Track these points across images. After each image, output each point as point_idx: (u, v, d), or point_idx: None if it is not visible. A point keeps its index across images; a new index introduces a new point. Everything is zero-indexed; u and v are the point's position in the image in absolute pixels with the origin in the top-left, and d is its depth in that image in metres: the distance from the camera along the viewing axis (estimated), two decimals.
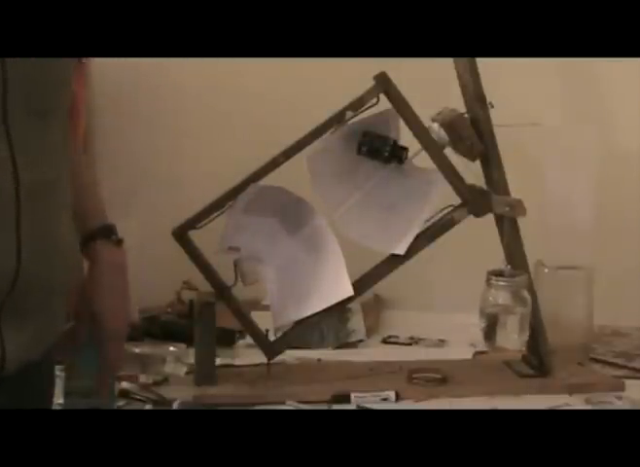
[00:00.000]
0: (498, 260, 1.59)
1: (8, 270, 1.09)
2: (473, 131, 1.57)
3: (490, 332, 1.57)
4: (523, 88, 1.99)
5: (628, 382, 1.62)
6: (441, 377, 1.61)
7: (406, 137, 1.58)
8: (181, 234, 1.58)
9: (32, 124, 1.08)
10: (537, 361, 1.64)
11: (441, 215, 1.60)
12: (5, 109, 1.06)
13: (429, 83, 1.85)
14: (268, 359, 1.62)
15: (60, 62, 1.18)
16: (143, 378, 1.58)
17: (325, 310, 1.58)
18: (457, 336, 1.87)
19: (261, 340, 1.62)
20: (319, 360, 1.77)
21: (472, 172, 1.59)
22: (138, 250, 1.85)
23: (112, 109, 2.21)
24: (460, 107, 1.59)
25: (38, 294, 1.14)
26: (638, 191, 2.04)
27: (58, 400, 1.43)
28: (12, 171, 1.08)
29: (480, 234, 1.67)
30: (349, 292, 1.57)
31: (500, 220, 1.61)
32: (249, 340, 1.68)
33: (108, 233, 1.34)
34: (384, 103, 1.55)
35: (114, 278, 1.36)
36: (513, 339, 1.57)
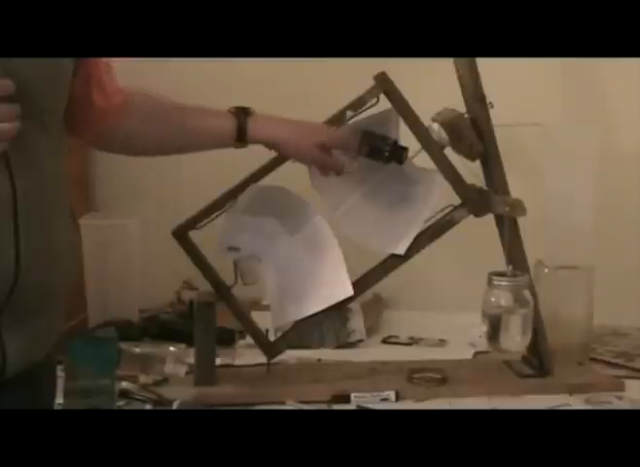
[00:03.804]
0: (498, 260, 1.59)
1: (7, 274, 1.09)
2: (473, 131, 1.57)
3: (494, 334, 1.56)
4: (523, 88, 1.99)
5: (628, 382, 1.62)
6: (441, 377, 1.61)
7: (406, 137, 1.58)
8: (181, 234, 1.58)
9: (27, 126, 1.08)
10: (537, 361, 1.64)
11: (441, 215, 1.60)
12: None
13: (429, 83, 1.85)
14: (268, 359, 1.62)
15: (56, 63, 1.17)
16: (143, 378, 1.58)
17: (325, 310, 1.58)
18: (457, 336, 1.87)
19: (261, 340, 1.62)
20: (319, 360, 1.77)
21: (472, 172, 1.59)
22: (138, 250, 1.86)
23: None
24: (460, 107, 1.59)
25: (37, 296, 1.14)
26: (638, 191, 2.04)
27: (58, 400, 1.44)
28: (8, 176, 1.09)
29: (480, 234, 1.67)
30: (349, 292, 1.57)
31: (500, 220, 1.61)
32: (249, 340, 1.68)
33: (245, 111, 1.49)
34: (384, 103, 1.55)
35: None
36: (516, 340, 1.57)
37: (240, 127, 1.47)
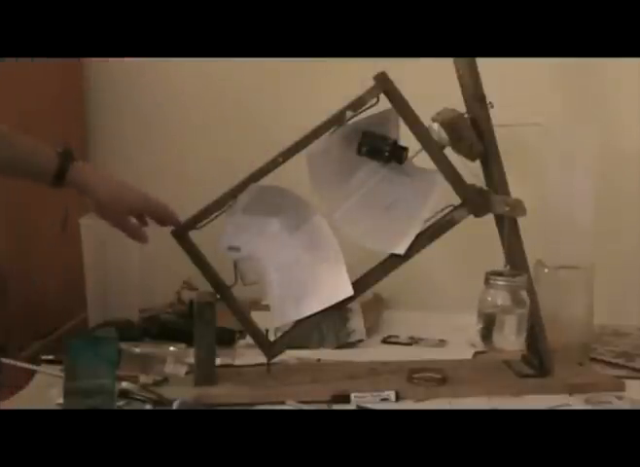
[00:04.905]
0: (498, 260, 1.59)
1: None
2: (473, 131, 1.57)
3: (487, 332, 1.57)
4: (523, 88, 1.99)
5: (628, 382, 1.62)
6: (441, 377, 1.61)
7: (406, 137, 1.58)
8: (181, 234, 1.58)
9: None
10: (537, 361, 1.64)
11: (441, 215, 1.60)
12: None
13: (429, 83, 1.85)
14: (268, 359, 1.62)
15: None
16: (143, 378, 1.59)
17: (325, 310, 1.58)
18: (457, 336, 1.87)
19: (261, 340, 1.62)
20: (319, 360, 1.77)
21: (472, 172, 1.59)
22: (138, 250, 1.86)
23: (112, 109, 2.21)
24: (460, 107, 1.59)
25: None
26: (638, 191, 2.04)
27: (58, 400, 1.44)
28: None
29: (480, 234, 1.67)
30: (349, 292, 1.57)
31: (500, 220, 1.61)
32: (249, 340, 1.68)
33: (69, 156, 1.49)
34: (384, 103, 1.55)
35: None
36: (510, 339, 1.57)
37: (61, 169, 1.48)
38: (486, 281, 1.57)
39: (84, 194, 1.52)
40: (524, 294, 1.57)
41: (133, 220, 1.57)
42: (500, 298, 1.56)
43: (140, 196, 1.57)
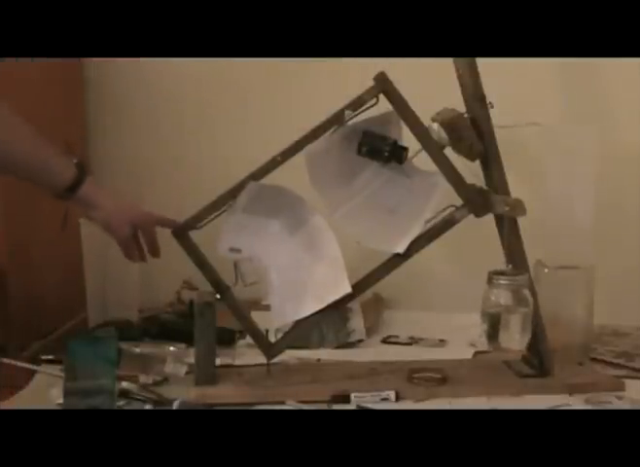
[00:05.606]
0: (498, 260, 1.59)
1: None
2: (473, 131, 1.57)
3: (493, 332, 1.56)
4: (523, 88, 1.99)
5: (628, 382, 1.62)
6: (441, 376, 1.61)
7: (405, 137, 1.58)
8: (181, 234, 1.58)
9: None
10: (537, 361, 1.64)
11: (442, 215, 1.60)
12: None
13: (429, 83, 1.85)
14: (268, 359, 1.62)
15: None
16: (143, 378, 1.59)
17: (324, 309, 1.58)
18: (457, 336, 1.87)
19: (261, 340, 1.62)
20: (319, 360, 1.77)
21: (472, 172, 1.59)
22: None
23: (112, 109, 2.21)
24: (460, 107, 1.59)
25: None
26: (638, 191, 2.04)
27: (58, 400, 1.44)
28: None
29: (480, 234, 1.67)
30: (347, 289, 1.57)
31: (500, 220, 1.61)
32: (249, 340, 1.68)
33: (84, 170, 1.50)
34: (384, 103, 1.55)
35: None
36: (515, 339, 1.57)
37: (77, 180, 1.48)
38: (489, 281, 1.56)
39: (89, 209, 1.52)
40: (527, 293, 1.57)
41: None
42: (503, 297, 1.55)
43: (142, 211, 1.57)
